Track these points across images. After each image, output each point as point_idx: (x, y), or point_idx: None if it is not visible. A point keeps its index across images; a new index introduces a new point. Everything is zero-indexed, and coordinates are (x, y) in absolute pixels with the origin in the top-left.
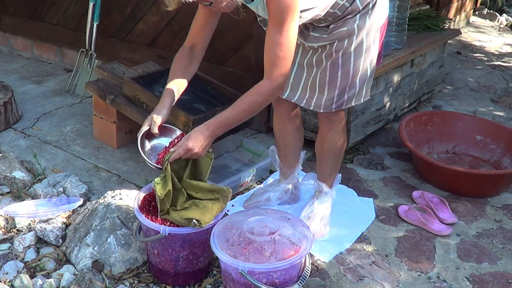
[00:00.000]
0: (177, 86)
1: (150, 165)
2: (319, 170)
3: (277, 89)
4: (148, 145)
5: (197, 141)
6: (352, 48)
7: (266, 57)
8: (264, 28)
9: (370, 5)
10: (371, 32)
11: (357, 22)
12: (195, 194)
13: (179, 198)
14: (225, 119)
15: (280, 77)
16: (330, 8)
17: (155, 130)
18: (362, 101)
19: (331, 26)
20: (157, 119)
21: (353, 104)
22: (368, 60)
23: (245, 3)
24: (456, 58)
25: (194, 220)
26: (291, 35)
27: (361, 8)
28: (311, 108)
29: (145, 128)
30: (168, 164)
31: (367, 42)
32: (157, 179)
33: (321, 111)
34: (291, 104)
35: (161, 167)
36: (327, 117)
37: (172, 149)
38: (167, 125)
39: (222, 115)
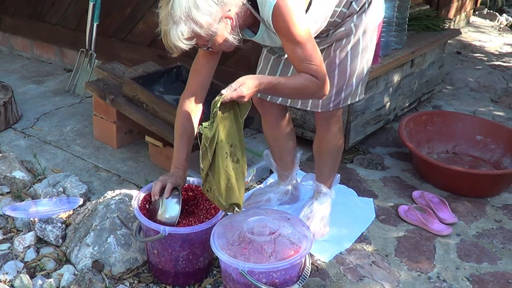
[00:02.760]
0: (188, 139)
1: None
2: (317, 171)
3: (324, 87)
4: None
5: (250, 90)
6: (349, 47)
7: (299, 71)
8: (274, 56)
9: (366, 4)
10: (368, 31)
11: (354, 21)
12: (234, 148)
13: (224, 151)
14: (276, 85)
15: (321, 77)
16: (330, 17)
17: (167, 196)
18: (357, 99)
19: (330, 31)
20: (174, 185)
21: (349, 103)
22: (365, 59)
23: (249, 38)
24: (456, 58)
25: (236, 209)
26: (309, 41)
27: (358, 9)
28: (308, 108)
29: (158, 190)
30: (218, 108)
31: (363, 41)
32: (205, 124)
33: (319, 110)
34: (279, 109)
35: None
36: (324, 118)
37: (223, 91)
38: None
39: (275, 78)
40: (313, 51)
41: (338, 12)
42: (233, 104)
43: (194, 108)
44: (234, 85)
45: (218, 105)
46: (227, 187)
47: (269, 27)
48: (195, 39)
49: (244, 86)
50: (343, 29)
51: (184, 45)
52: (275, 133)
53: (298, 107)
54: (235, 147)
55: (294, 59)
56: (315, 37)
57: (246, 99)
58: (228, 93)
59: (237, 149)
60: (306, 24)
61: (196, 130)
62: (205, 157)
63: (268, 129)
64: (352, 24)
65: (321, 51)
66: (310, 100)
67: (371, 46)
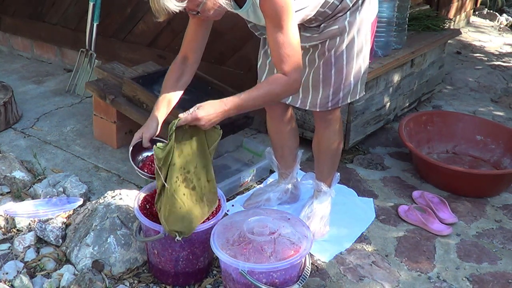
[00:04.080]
0: (168, 99)
1: (142, 175)
2: (317, 170)
3: (294, 84)
4: (140, 156)
5: (208, 113)
6: (344, 45)
7: (275, 58)
8: (256, 33)
9: (360, 1)
10: (362, 29)
11: (347, 19)
12: (187, 174)
13: (174, 175)
14: (241, 101)
15: (294, 72)
16: (320, 7)
17: (146, 144)
18: (357, 97)
19: (322, 25)
20: (147, 133)
21: (348, 101)
22: (361, 56)
23: (234, 10)
24: (456, 58)
25: (177, 237)
26: (293, 31)
27: (351, 5)
28: (307, 108)
29: (134, 141)
30: (174, 131)
31: (358, 39)
32: (160, 144)
33: (317, 110)
34: (284, 105)
35: (151, 175)
36: (323, 116)
37: (180, 115)
38: (158, 138)
39: (238, 96)
40: (293, 39)
41: (329, 4)
42: (196, 131)
43: (184, 68)
44: (192, 109)
45: (174, 128)
46: (171, 211)
47: (255, 4)
48: (186, 1)
49: (200, 109)
50: (336, 26)
51: (174, 6)
52: (279, 129)
53: (297, 106)
54: (192, 174)
55: (272, 43)
56: (306, 30)
57: (203, 123)
58: (183, 116)
59: (194, 177)
60: (293, 10)
61: (182, 91)
62: (158, 177)
63: (273, 124)
64: (346, 22)
65: (314, 47)
66: (309, 99)
67: (366, 44)
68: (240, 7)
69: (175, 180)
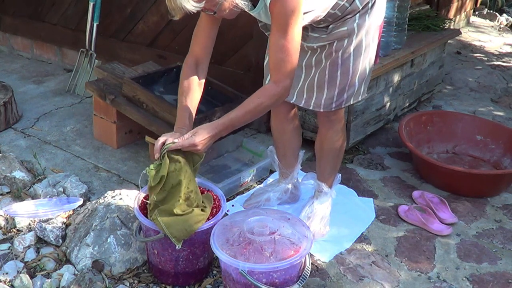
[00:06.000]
0: (190, 106)
1: None
2: (318, 170)
3: (283, 92)
4: None
5: (203, 138)
6: (352, 47)
7: (271, 61)
8: (266, 33)
9: (370, 4)
10: (370, 31)
11: (356, 21)
12: (191, 193)
13: (175, 195)
14: (230, 120)
15: (285, 80)
16: (331, 9)
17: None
18: (360, 99)
19: (330, 26)
20: (172, 138)
21: (352, 103)
22: (367, 59)
23: (248, 11)
24: (456, 58)
25: (178, 246)
26: (295, 39)
27: (360, 7)
28: (311, 108)
29: (158, 147)
30: (166, 153)
31: (366, 41)
32: (152, 166)
33: (321, 110)
34: (289, 104)
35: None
36: (326, 116)
37: (175, 140)
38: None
39: (227, 117)
40: (294, 46)
41: (340, 6)
42: (187, 154)
43: (197, 70)
44: (187, 135)
45: (165, 151)
46: (171, 225)
47: (265, 6)
48: (203, 2)
49: (196, 135)
50: (345, 28)
51: (192, 7)
52: (282, 127)
53: (301, 105)
54: (194, 193)
55: (272, 46)
56: (314, 30)
57: (200, 147)
58: (179, 141)
59: (195, 196)
60: (302, 15)
61: (200, 94)
62: (151, 195)
63: (277, 122)
64: (355, 24)
65: (322, 48)
66: (313, 100)
67: (373, 46)
68: (255, 7)
69: (177, 199)
